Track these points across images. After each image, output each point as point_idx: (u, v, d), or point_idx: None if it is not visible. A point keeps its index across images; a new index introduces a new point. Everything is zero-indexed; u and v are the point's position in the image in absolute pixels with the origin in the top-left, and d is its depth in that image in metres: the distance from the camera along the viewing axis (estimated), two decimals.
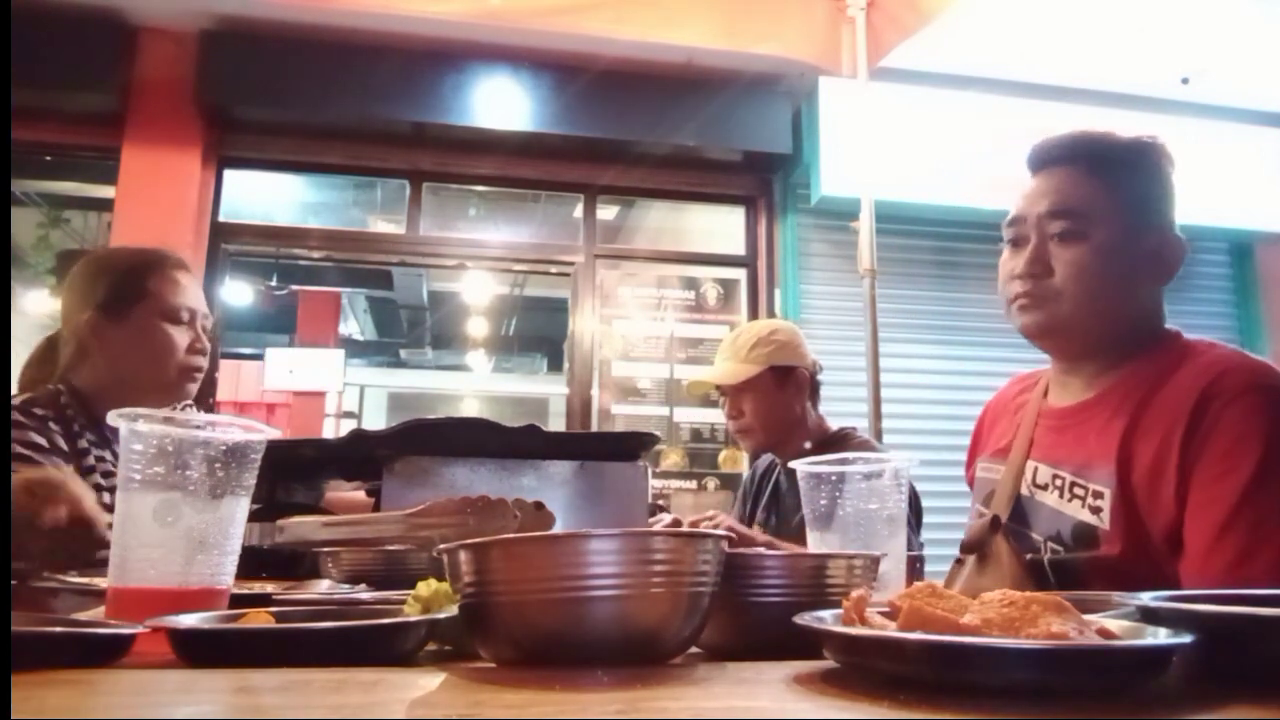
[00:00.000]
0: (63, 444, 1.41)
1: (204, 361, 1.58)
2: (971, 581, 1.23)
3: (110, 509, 1.40)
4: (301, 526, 1.13)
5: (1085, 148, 1.21)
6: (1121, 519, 1.09)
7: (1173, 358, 1.16)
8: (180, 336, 1.55)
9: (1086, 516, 1.13)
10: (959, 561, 1.27)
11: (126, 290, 1.54)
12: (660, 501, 4.01)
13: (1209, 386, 1.07)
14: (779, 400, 2.15)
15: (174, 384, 1.55)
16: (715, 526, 1.77)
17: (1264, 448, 1.02)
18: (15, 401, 1.46)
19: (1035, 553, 1.20)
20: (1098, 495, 1.13)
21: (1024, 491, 1.24)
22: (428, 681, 0.58)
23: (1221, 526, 1.02)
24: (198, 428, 0.79)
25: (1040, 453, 1.25)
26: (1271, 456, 1.02)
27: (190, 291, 1.59)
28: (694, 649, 0.72)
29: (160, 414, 0.78)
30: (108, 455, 1.46)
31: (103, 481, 1.42)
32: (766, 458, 2.30)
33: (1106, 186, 1.18)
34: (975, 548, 1.25)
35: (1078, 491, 1.16)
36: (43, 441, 1.38)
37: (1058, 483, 1.19)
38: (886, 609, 0.65)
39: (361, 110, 4.23)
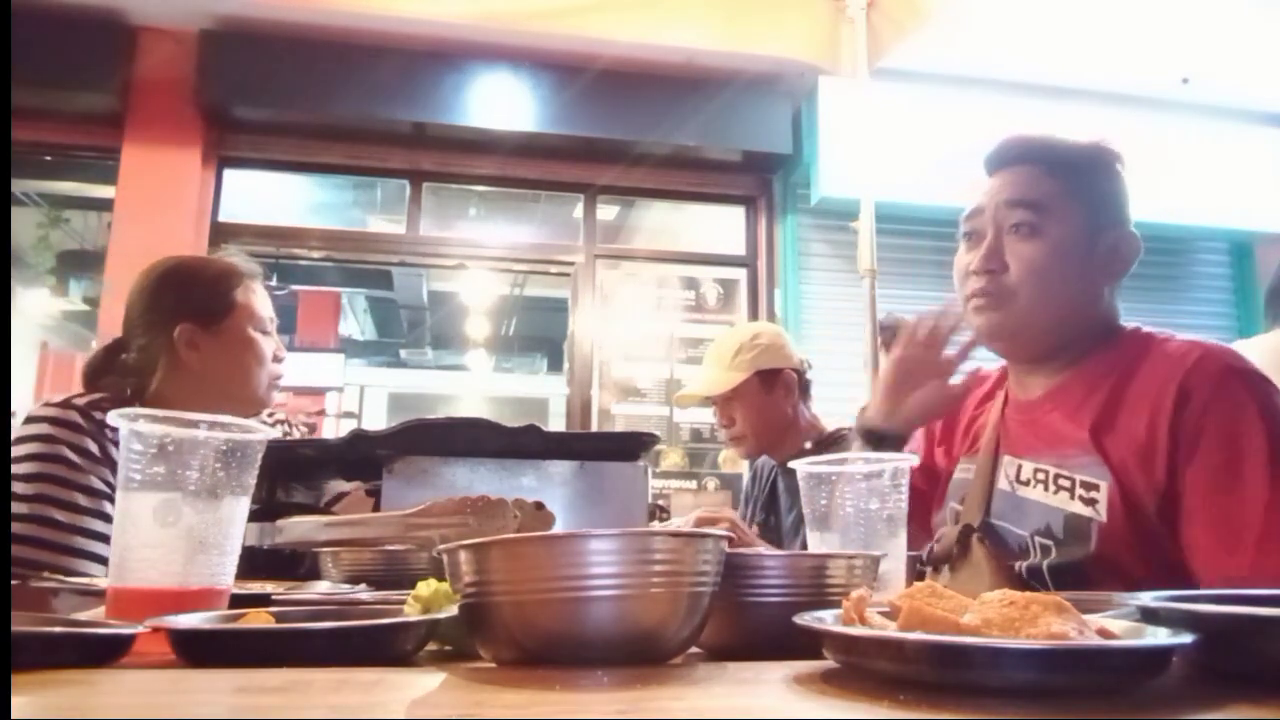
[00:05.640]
0: (115, 455, 1.39)
1: (283, 370, 1.59)
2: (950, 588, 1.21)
3: None
4: (301, 526, 1.13)
5: (1042, 149, 1.22)
6: (1121, 510, 1.09)
7: (1136, 348, 1.17)
8: (268, 346, 1.56)
9: (1079, 509, 1.13)
10: (935, 570, 1.25)
11: (218, 301, 1.53)
12: (660, 502, 4.00)
13: (1188, 375, 1.08)
14: (769, 404, 2.12)
15: (264, 393, 1.55)
16: (719, 523, 1.77)
17: (1266, 441, 1.03)
18: (80, 401, 1.42)
19: (1021, 552, 1.19)
20: (1089, 487, 1.12)
21: (1005, 487, 1.23)
22: (428, 681, 0.58)
23: (1242, 527, 1.02)
24: (198, 428, 0.78)
25: (1017, 448, 1.24)
26: (1275, 449, 1.03)
27: (268, 301, 1.60)
28: (694, 649, 0.72)
29: (163, 414, 0.78)
30: None
31: None
32: (766, 458, 2.30)
33: (1065, 186, 1.19)
34: (945, 558, 1.24)
35: (1063, 483, 1.16)
36: (94, 449, 1.36)
37: (1040, 476, 1.19)
38: (886, 609, 0.65)
39: (361, 110, 4.23)
